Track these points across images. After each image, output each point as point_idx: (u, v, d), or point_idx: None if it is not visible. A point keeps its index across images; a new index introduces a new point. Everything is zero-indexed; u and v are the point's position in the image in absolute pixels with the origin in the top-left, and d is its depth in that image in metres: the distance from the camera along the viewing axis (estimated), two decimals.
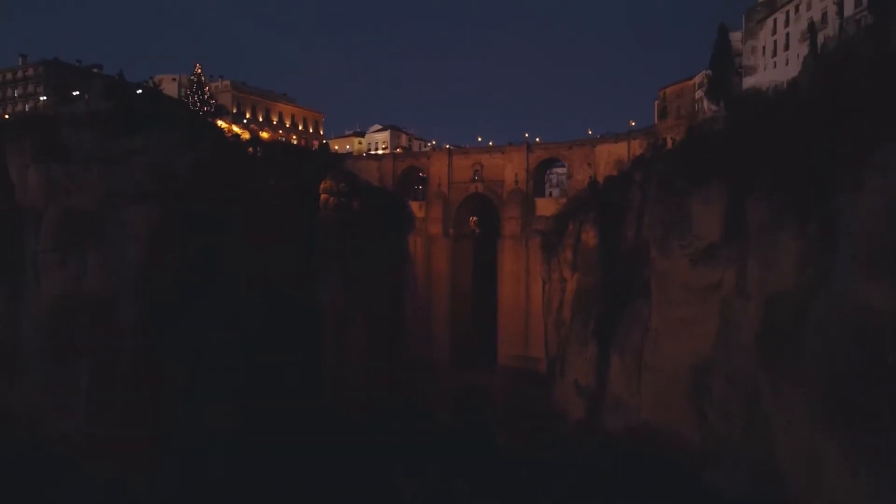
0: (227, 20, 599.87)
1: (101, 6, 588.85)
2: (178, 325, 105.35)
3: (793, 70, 74.65)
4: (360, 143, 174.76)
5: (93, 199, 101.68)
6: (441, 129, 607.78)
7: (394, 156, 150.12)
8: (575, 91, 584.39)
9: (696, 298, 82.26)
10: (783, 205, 54.08)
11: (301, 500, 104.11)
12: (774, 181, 60.37)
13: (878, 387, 38.59)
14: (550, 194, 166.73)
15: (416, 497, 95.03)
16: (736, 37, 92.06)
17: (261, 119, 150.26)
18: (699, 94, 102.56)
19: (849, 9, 61.79)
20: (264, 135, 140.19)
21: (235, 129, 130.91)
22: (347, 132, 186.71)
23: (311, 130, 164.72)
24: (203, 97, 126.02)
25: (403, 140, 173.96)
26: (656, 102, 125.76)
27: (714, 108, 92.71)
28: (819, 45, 65.23)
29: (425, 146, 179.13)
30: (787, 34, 78.02)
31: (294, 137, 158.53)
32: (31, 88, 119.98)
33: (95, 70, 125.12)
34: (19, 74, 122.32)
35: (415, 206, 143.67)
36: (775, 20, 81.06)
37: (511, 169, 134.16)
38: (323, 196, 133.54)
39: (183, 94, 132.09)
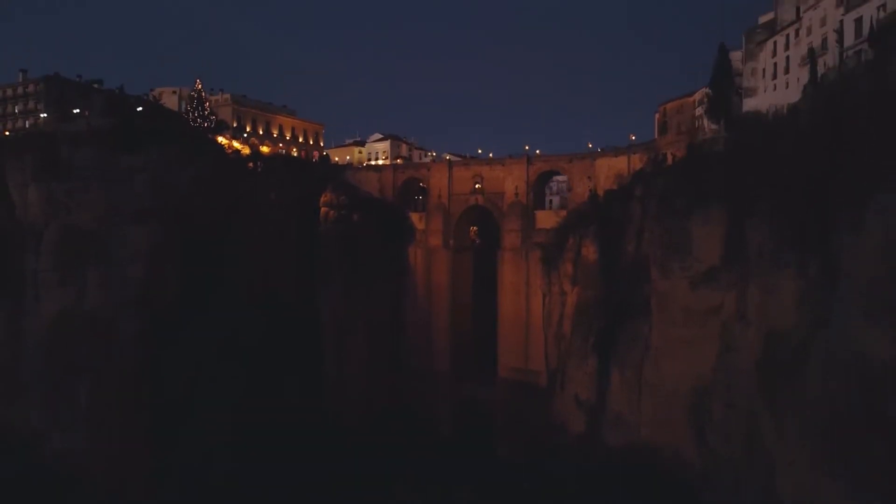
0: (227, 21, 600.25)
1: (102, 10, 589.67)
2: (178, 339, 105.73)
3: (793, 94, 74.63)
4: (360, 152, 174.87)
5: (93, 216, 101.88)
6: (441, 138, 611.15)
7: (394, 167, 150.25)
8: (575, 102, 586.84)
9: (696, 320, 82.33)
10: (783, 240, 54.15)
11: None
12: (774, 211, 60.47)
13: (878, 438, 38.75)
14: (550, 202, 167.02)
15: None
16: (736, 56, 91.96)
17: (261, 132, 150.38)
18: (699, 111, 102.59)
19: (849, 39, 61.84)
20: (264, 149, 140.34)
21: (236, 144, 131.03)
22: (348, 141, 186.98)
23: (311, 142, 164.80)
24: (203, 113, 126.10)
25: (404, 150, 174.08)
26: (656, 116, 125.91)
27: (714, 127, 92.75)
28: (819, 74, 65.24)
29: (425, 155, 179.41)
30: (787, 57, 78.01)
31: (294, 150, 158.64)
32: (31, 105, 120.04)
33: (96, 86, 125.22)
34: (20, 91, 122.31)
35: (415, 217, 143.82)
36: (775, 43, 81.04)
37: (511, 181, 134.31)
38: (323, 209, 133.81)
39: (183, 108, 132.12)
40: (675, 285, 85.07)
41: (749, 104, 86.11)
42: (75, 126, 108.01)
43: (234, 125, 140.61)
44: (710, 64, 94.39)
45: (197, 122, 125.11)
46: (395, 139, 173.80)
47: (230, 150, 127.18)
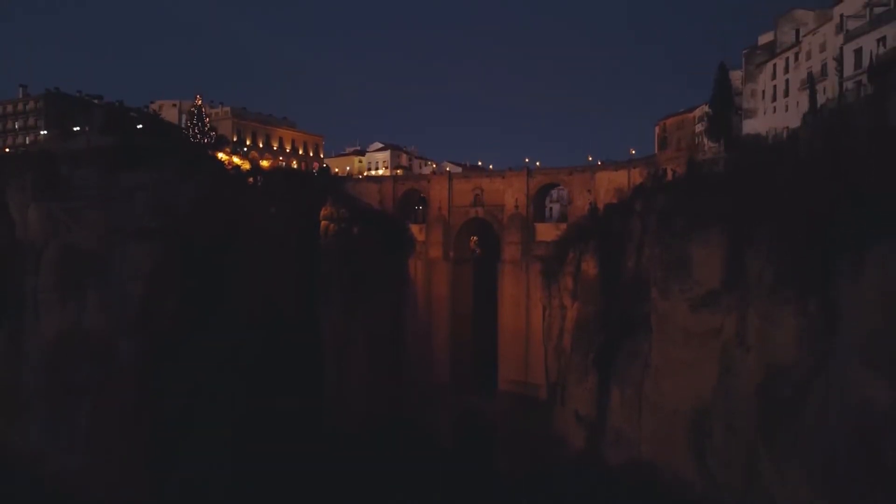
0: (227, 24, 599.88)
1: (102, 14, 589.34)
2: (178, 357, 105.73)
3: (793, 118, 74.62)
4: (360, 161, 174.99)
5: (93, 235, 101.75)
6: (442, 145, 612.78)
7: (394, 178, 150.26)
8: (575, 113, 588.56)
9: (696, 342, 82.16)
10: (783, 277, 54.09)
11: None
12: (773, 243, 60.40)
13: (878, 487, 38.77)
14: (551, 209, 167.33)
15: None
16: (736, 75, 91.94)
17: (261, 145, 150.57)
18: (699, 127, 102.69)
19: (848, 69, 61.74)
20: (264, 163, 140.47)
21: (236, 160, 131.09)
22: (348, 149, 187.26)
23: (311, 154, 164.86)
24: (203, 129, 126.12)
25: (404, 160, 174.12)
26: (657, 129, 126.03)
27: (714, 146, 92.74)
28: (819, 103, 65.17)
29: (426, 164, 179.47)
30: (787, 81, 77.93)
31: (294, 162, 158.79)
32: (31, 122, 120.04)
33: (96, 101, 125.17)
34: (20, 107, 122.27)
35: (415, 229, 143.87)
36: (775, 66, 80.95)
37: (511, 194, 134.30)
38: (323, 223, 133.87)
39: (184, 122, 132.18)
40: (674, 307, 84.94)
41: (749, 125, 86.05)
42: (75, 144, 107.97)
43: (235, 139, 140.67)
44: (710, 77, 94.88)
45: (197, 137, 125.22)
46: (395, 149, 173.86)
47: (230, 166, 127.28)
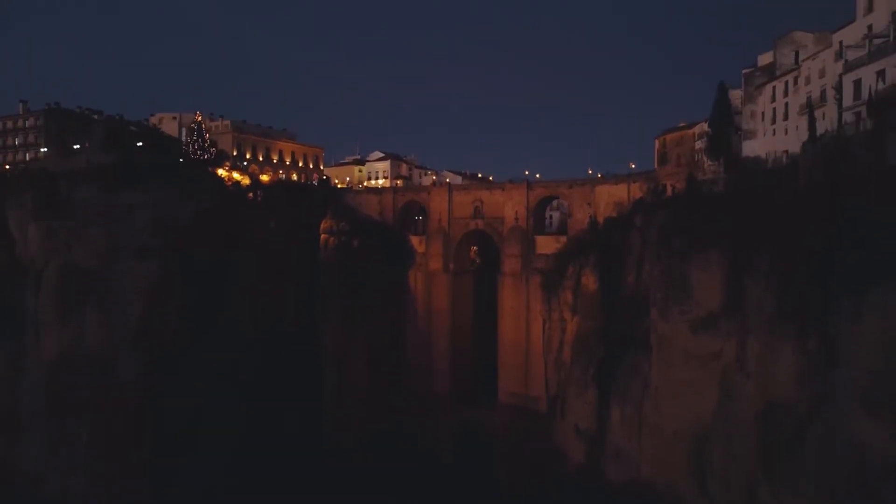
0: (228, 23, 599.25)
1: (103, 16, 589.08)
2: (178, 375, 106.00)
3: (792, 141, 74.63)
4: (360, 171, 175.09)
5: (93, 254, 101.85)
6: (442, 153, 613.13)
7: (394, 190, 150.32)
8: (575, 124, 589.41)
9: (696, 364, 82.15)
10: (783, 312, 54.10)
11: None
12: (772, 273, 60.42)
13: None
14: (551, 217, 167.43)
15: None
16: (735, 95, 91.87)
17: (261, 158, 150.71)
18: (699, 144, 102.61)
19: (848, 99, 61.64)
20: (264, 177, 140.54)
21: (236, 175, 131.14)
22: (347, 158, 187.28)
23: (311, 166, 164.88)
24: (203, 145, 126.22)
25: (404, 169, 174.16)
26: (657, 141, 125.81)
27: (713, 165, 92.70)
28: (818, 131, 65.11)
29: (425, 174, 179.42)
30: (787, 104, 77.90)
31: (294, 174, 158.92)
32: (31, 139, 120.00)
33: (96, 116, 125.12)
34: (20, 123, 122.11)
35: (415, 240, 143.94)
36: (774, 88, 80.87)
37: (511, 206, 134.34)
38: (323, 236, 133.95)
39: (184, 138, 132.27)
40: (674, 329, 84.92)
41: (748, 147, 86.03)
42: (75, 163, 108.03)
43: (235, 153, 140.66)
44: (712, 78, 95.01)
45: (197, 154, 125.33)
46: (395, 158, 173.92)
47: (230, 183, 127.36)
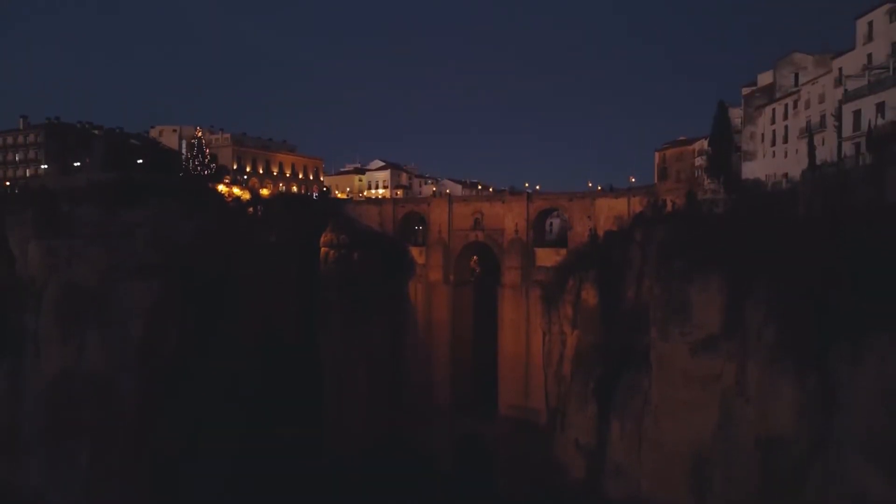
0: (228, 25, 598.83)
1: (103, 16, 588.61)
2: (178, 392, 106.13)
3: (792, 164, 74.72)
4: (360, 180, 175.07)
5: (94, 273, 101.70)
6: (441, 149, 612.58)
7: (394, 201, 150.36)
8: (576, 135, 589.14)
9: (696, 384, 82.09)
10: (783, 341, 54.26)
11: None
12: (773, 299, 60.61)
13: None
14: (551, 225, 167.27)
15: None
16: (735, 113, 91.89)
17: (261, 171, 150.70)
18: (699, 161, 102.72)
19: (847, 129, 61.69)
20: (264, 191, 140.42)
21: (236, 190, 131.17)
22: (348, 166, 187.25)
23: (311, 177, 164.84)
24: (204, 160, 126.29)
25: (404, 178, 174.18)
26: (657, 154, 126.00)
27: (713, 184, 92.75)
28: (818, 158, 65.15)
29: (426, 182, 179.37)
30: (786, 127, 77.95)
31: (294, 186, 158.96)
32: (31, 155, 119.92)
33: (96, 131, 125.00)
34: (20, 139, 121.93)
35: (415, 251, 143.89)
36: (774, 110, 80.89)
37: (511, 218, 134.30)
38: (323, 250, 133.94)
39: (184, 152, 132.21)
40: (674, 349, 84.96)
41: (748, 168, 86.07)
42: (75, 181, 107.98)
43: (235, 166, 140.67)
44: (711, 92, 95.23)
45: (197, 170, 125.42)
46: (395, 168, 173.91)
47: (230, 198, 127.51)
